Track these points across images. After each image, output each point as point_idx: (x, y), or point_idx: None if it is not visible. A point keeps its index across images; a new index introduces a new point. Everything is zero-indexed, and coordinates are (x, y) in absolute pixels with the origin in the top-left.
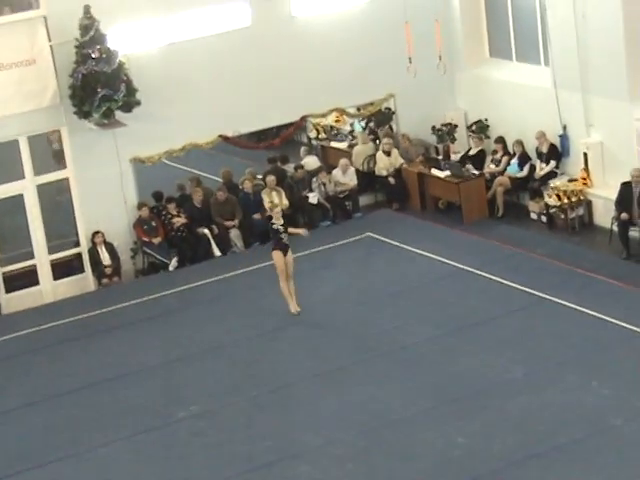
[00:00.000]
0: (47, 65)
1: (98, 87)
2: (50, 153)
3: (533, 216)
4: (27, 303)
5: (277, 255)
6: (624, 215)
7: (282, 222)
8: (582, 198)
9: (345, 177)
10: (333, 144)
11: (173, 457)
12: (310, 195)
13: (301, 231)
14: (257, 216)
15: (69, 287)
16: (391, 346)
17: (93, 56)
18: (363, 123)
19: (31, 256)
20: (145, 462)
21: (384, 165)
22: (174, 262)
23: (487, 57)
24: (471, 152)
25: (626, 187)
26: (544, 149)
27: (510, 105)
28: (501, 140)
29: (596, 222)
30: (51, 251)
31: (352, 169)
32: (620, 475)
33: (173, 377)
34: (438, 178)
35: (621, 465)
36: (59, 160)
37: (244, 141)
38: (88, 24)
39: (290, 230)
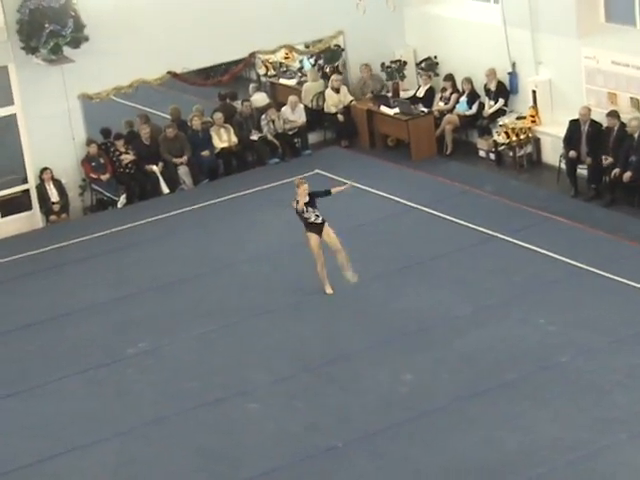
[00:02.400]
0: None
1: (46, 22)
2: None
3: (481, 154)
4: None
5: (308, 237)
6: (572, 153)
7: (306, 200)
8: (530, 136)
9: (294, 114)
10: (282, 81)
11: (122, 394)
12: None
13: (343, 188)
14: (205, 153)
15: (17, 224)
16: (339, 283)
17: None
18: (312, 60)
19: None
20: (94, 398)
21: (333, 102)
22: (122, 199)
23: None
24: (420, 90)
25: (574, 125)
26: (492, 87)
27: (459, 42)
28: (450, 78)
29: (544, 160)
30: None
31: (301, 106)
32: (565, 411)
33: (122, 314)
34: (387, 115)
35: (566, 401)
36: None
37: (193, 78)
38: None
39: (334, 190)
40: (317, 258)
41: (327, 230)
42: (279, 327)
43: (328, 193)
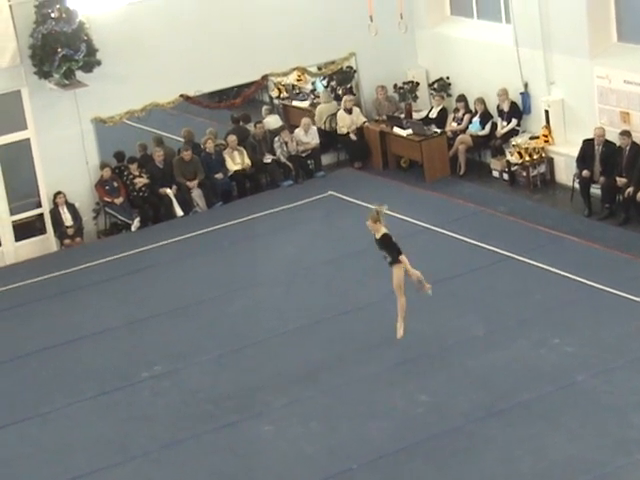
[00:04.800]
0: (6, 25)
1: (58, 47)
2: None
3: (495, 174)
4: None
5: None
6: (586, 172)
7: (378, 237)
8: (543, 156)
9: (307, 136)
10: (295, 103)
11: (137, 417)
12: (266, 155)
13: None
14: (219, 176)
15: (31, 248)
16: (354, 304)
17: (53, 16)
18: (325, 82)
19: None
20: (109, 422)
21: (345, 123)
22: (136, 222)
23: (448, 15)
24: (433, 111)
25: (588, 144)
26: (505, 107)
27: (471, 63)
28: (463, 98)
29: (558, 179)
30: (12, 212)
31: (314, 128)
32: (581, 431)
33: (136, 338)
34: (400, 136)
35: (582, 421)
36: None
37: (205, 101)
38: None
39: (402, 259)
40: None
41: (394, 271)
42: (293, 349)
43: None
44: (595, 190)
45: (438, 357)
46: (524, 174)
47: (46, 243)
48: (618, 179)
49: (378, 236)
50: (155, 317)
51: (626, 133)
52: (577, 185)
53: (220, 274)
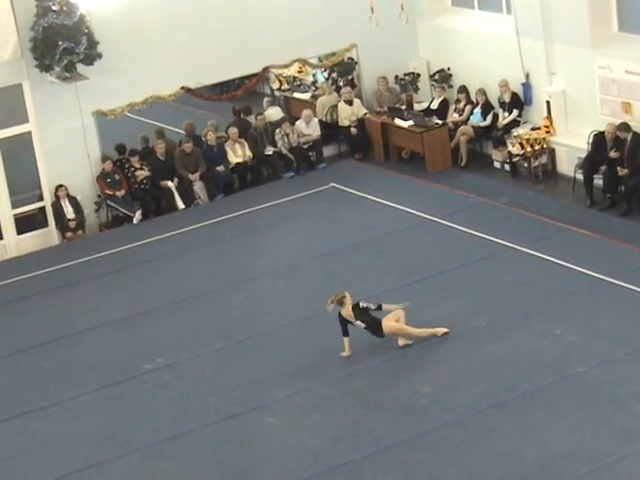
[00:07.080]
0: (7, 19)
1: (59, 40)
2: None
3: (496, 165)
4: None
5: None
6: (624, 172)
7: (349, 307)
8: (545, 146)
9: (309, 128)
10: (296, 95)
11: (140, 410)
12: (268, 147)
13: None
14: (220, 168)
15: (33, 241)
16: (356, 297)
17: (54, 9)
18: (326, 73)
19: None
20: (112, 415)
21: (346, 115)
22: (138, 215)
23: (449, 6)
24: (434, 102)
25: (599, 138)
26: (506, 98)
27: (473, 54)
28: (464, 89)
29: (559, 170)
30: (14, 205)
31: (315, 120)
32: (584, 421)
33: (139, 330)
34: (401, 128)
35: (585, 411)
36: None
37: (206, 93)
38: None
39: (385, 307)
40: (409, 332)
41: (386, 323)
42: (296, 341)
43: (379, 308)
44: (597, 180)
45: (441, 348)
46: (525, 165)
47: (48, 236)
48: (620, 169)
49: (345, 313)
50: (157, 309)
51: (624, 127)
52: (579, 176)
53: (222, 266)
